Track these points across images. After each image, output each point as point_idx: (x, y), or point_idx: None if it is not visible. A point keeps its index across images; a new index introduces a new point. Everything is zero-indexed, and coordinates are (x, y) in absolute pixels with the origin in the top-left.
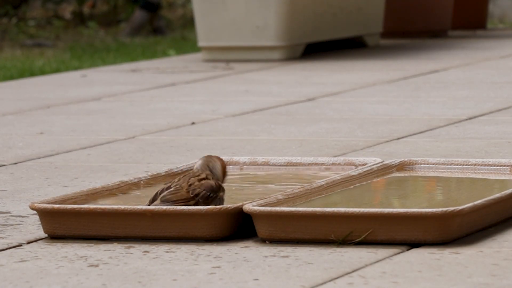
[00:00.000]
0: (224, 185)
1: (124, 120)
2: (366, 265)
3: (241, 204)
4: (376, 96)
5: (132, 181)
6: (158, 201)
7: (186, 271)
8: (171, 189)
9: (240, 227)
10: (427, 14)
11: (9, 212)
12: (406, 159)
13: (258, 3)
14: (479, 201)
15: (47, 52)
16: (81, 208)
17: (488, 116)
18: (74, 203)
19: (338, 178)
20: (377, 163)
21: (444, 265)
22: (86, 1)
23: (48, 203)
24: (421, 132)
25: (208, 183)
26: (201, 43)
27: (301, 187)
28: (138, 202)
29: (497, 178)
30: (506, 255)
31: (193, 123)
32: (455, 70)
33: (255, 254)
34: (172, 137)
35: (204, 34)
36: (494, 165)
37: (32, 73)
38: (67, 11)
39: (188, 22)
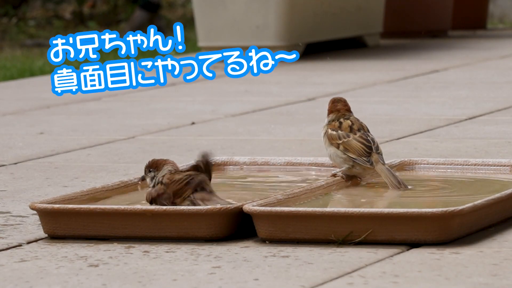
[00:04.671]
0: (225, 185)
1: (124, 120)
2: (366, 265)
3: (241, 204)
4: (376, 96)
5: (132, 181)
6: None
7: (186, 271)
8: None
9: (240, 227)
10: (427, 14)
11: (9, 212)
12: (406, 159)
13: (258, 3)
14: (479, 201)
15: (47, 52)
16: (81, 208)
17: (488, 116)
18: (74, 203)
19: (338, 178)
20: None
21: (444, 265)
22: (86, 1)
23: (48, 203)
24: (421, 132)
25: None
26: (201, 43)
27: (301, 187)
28: (138, 202)
29: (497, 178)
30: (506, 255)
31: (193, 123)
32: (455, 70)
33: (255, 254)
34: (172, 137)
35: (204, 34)
36: (494, 165)
37: (32, 73)
38: (67, 11)
39: (188, 22)
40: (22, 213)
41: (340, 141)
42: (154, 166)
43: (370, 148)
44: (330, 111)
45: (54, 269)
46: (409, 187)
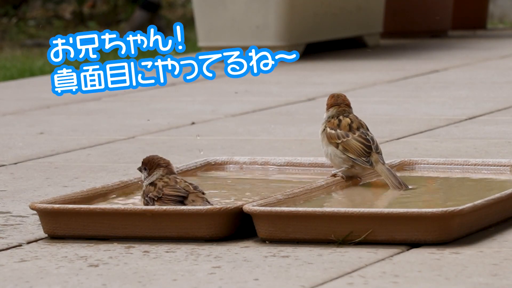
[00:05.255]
0: (225, 185)
1: (124, 120)
2: (366, 265)
3: (241, 204)
4: (376, 96)
5: (132, 181)
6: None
7: (186, 271)
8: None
9: (240, 227)
10: (427, 14)
11: (9, 212)
12: (406, 159)
13: (258, 3)
14: (479, 201)
15: (47, 52)
16: (81, 208)
17: (488, 116)
18: (74, 203)
19: (338, 178)
20: None
21: (444, 265)
22: (86, 1)
23: (48, 203)
24: (421, 132)
25: None
26: (201, 43)
27: (301, 187)
28: (137, 202)
29: (497, 178)
30: (506, 255)
31: (193, 123)
32: (455, 70)
33: (255, 254)
34: (172, 137)
35: (204, 34)
36: (494, 165)
37: (32, 73)
38: (67, 11)
39: (188, 22)
40: (22, 213)
41: (339, 141)
42: (148, 166)
43: (369, 148)
44: (330, 105)
45: (54, 269)
46: (410, 187)
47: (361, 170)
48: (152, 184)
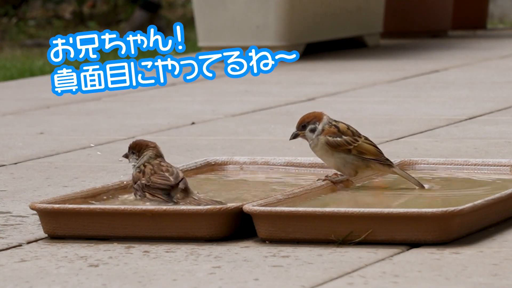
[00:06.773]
0: (225, 185)
1: (124, 120)
2: (366, 265)
3: (241, 204)
4: (376, 96)
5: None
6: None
7: (186, 271)
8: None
9: (240, 227)
10: (427, 14)
11: (9, 212)
12: (406, 159)
13: (258, 3)
14: (479, 201)
15: (47, 52)
16: (81, 208)
17: (488, 116)
18: (74, 203)
19: (337, 178)
20: None
21: (444, 265)
22: (86, 1)
23: (48, 203)
24: (421, 132)
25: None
26: (201, 43)
27: (301, 187)
28: (137, 202)
29: (497, 178)
30: (506, 255)
31: (193, 123)
32: (455, 70)
33: (255, 254)
34: (172, 137)
35: (204, 34)
36: (494, 165)
37: (32, 73)
38: (67, 11)
39: (188, 22)
40: (22, 213)
41: (351, 146)
42: (136, 149)
43: (380, 150)
44: (321, 116)
45: (54, 269)
46: (426, 186)
47: (367, 173)
48: (141, 171)
